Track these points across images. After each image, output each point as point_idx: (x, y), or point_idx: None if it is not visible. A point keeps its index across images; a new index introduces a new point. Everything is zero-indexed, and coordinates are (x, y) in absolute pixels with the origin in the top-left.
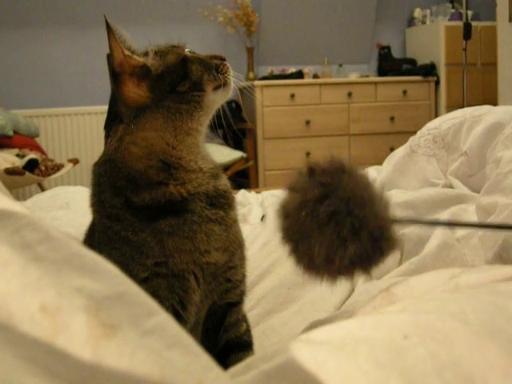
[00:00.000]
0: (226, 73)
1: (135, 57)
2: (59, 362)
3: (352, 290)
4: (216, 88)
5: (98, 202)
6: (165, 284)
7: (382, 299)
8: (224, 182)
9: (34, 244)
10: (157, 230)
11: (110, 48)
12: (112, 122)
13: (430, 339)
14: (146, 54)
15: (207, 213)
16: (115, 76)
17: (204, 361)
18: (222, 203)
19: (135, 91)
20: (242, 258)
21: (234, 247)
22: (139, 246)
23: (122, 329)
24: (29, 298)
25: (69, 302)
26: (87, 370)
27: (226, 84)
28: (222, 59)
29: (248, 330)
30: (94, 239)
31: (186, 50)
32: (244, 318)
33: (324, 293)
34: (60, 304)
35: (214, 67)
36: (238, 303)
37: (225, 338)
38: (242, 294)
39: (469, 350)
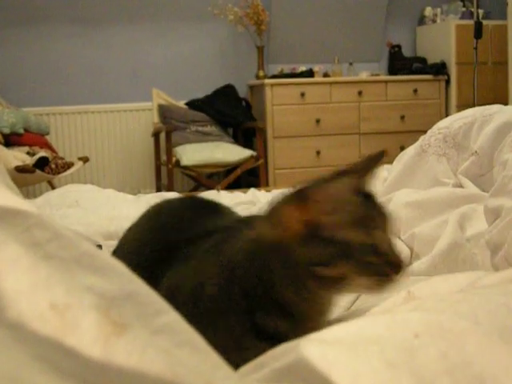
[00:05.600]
0: (383, 284)
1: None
2: (69, 360)
3: None
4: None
5: (227, 295)
6: None
7: (403, 300)
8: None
9: (44, 242)
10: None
11: None
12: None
13: (441, 339)
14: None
15: None
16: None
17: (213, 360)
18: None
19: (294, 223)
20: None
21: None
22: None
23: (132, 327)
24: (38, 296)
25: (79, 301)
26: (97, 367)
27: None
28: (396, 267)
29: None
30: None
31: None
32: None
33: None
34: (70, 302)
35: (373, 268)
36: None
37: None
38: None
39: (480, 350)
